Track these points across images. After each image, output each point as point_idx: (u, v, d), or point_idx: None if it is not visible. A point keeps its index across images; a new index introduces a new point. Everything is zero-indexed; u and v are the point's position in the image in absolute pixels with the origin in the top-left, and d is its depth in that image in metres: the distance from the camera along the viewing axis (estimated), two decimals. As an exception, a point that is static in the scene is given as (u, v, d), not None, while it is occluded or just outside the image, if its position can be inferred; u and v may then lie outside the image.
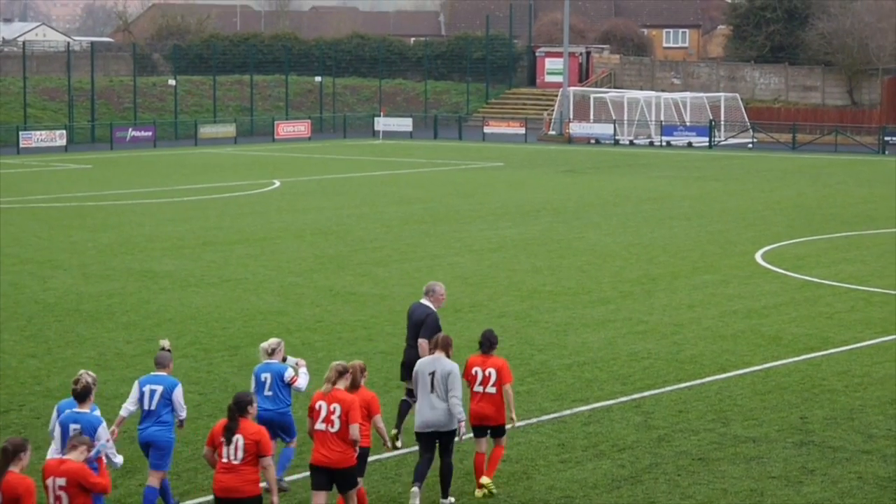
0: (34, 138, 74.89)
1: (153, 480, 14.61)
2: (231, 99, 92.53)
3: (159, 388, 14.56)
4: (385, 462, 16.60)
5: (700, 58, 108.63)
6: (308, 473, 14.42)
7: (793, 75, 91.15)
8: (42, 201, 47.29)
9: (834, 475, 16.28)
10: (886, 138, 75.92)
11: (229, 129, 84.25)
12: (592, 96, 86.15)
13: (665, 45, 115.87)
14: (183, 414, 14.69)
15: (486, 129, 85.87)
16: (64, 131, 77.48)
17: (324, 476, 13.95)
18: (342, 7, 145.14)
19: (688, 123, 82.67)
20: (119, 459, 13.65)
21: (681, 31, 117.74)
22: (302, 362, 15.95)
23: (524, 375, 20.96)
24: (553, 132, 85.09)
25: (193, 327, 24.99)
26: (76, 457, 12.02)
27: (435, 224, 40.60)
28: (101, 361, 21.90)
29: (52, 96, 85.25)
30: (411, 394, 16.50)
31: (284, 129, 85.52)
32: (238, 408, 13.05)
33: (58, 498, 11.92)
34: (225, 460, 12.98)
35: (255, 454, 12.93)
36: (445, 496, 15.23)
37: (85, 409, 13.54)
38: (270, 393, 15.48)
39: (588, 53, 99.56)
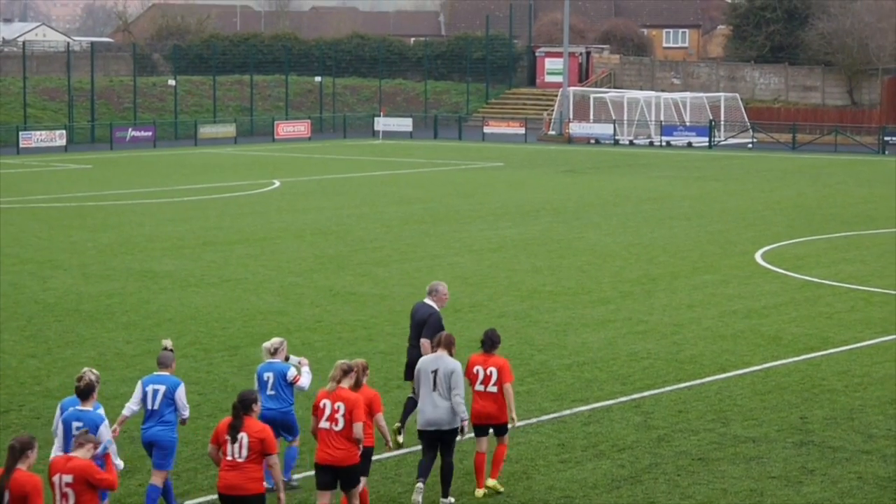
0: (34, 138, 74.90)
1: (157, 479, 14.65)
2: (231, 99, 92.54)
3: (162, 388, 14.58)
4: (385, 462, 16.60)
5: (700, 58, 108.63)
6: (309, 473, 14.45)
7: (793, 75, 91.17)
8: (42, 201, 47.30)
9: (834, 475, 16.28)
10: (886, 138, 75.93)
11: (229, 129, 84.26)
12: (592, 96, 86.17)
13: (665, 45, 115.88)
14: (186, 413, 14.73)
15: (486, 129, 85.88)
16: (64, 131, 77.48)
17: (328, 475, 14.00)
18: (342, 7, 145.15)
19: (688, 123, 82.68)
20: (119, 462, 13.67)
21: (681, 31, 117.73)
22: (304, 361, 15.98)
23: (524, 375, 20.96)
24: (553, 132, 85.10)
25: (193, 327, 24.99)
26: (83, 454, 12.04)
27: (435, 224, 40.61)
28: (101, 361, 21.89)
29: (52, 96, 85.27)
30: (418, 392, 16.54)
31: (284, 129, 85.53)
32: (243, 406, 13.10)
33: (64, 495, 11.94)
34: (229, 458, 13.03)
35: (259, 452, 12.98)
36: (446, 496, 15.24)
37: (88, 407, 13.56)
38: (273, 392, 15.52)
39: (588, 53, 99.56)
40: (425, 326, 16.91)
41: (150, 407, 14.62)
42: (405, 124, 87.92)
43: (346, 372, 14.11)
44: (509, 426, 15.72)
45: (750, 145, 78.67)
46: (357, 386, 14.27)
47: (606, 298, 28.09)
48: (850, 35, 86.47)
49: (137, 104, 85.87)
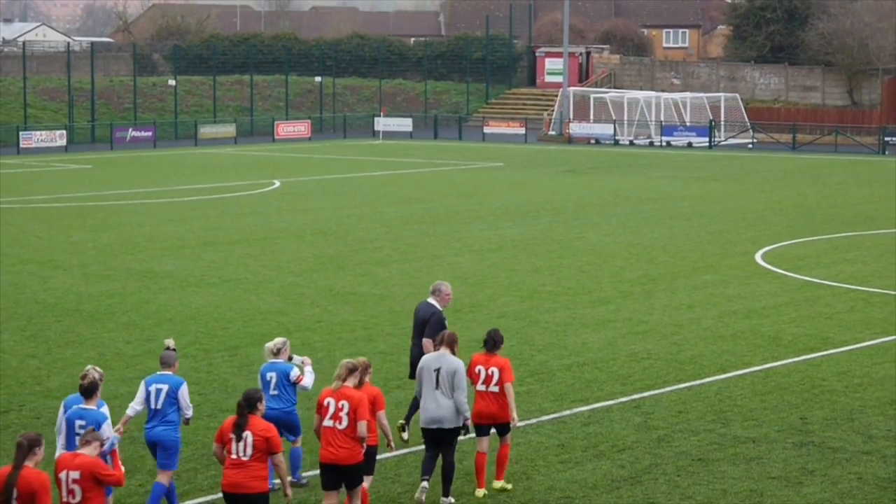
0: (34, 138, 74.90)
1: (162, 478, 14.68)
2: (231, 99, 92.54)
3: (165, 388, 14.60)
4: (385, 462, 16.61)
5: (700, 58, 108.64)
6: (313, 472, 14.45)
7: (793, 75, 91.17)
8: (42, 201, 47.30)
9: (834, 476, 16.29)
10: (886, 138, 75.92)
11: (229, 130, 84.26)
12: (592, 96, 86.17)
13: (665, 45, 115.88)
14: (189, 413, 14.76)
15: (486, 130, 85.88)
16: (64, 131, 77.48)
17: (332, 474, 14.03)
18: (342, 7, 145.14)
19: (688, 123, 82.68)
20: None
21: (681, 31, 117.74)
22: (308, 361, 16.02)
23: (524, 376, 20.97)
24: (553, 132, 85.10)
25: (193, 327, 24.99)
26: (90, 452, 12.06)
27: (435, 224, 40.61)
28: (101, 361, 21.87)
29: (52, 96, 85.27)
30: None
31: (284, 129, 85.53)
32: (248, 404, 13.14)
33: (71, 492, 11.96)
34: (234, 456, 13.06)
35: (264, 451, 13.02)
36: (446, 495, 15.25)
37: (91, 406, 13.58)
38: (276, 392, 15.56)
39: (588, 53, 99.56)
40: (427, 326, 16.94)
41: (153, 406, 14.64)
42: (405, 124, 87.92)
43: (351, 370, 14.17)
44: (511, 426, 15.72)
45: (750, 145, 78.67)
46: (359, 385, 14.31)
47: (606, 298, 28.09)
48: (850, 35, 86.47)
49: (137, 104, 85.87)
